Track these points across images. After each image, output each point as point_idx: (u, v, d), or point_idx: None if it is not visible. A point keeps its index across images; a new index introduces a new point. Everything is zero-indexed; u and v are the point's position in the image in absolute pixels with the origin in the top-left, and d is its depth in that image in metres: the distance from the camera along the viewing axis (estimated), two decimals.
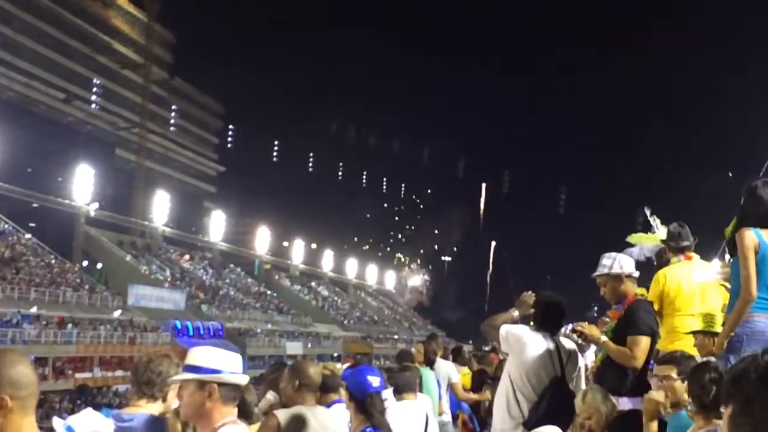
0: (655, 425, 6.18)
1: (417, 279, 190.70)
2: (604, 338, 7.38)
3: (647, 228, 9.28)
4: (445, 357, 13.77)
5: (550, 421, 7.11)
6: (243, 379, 4.58)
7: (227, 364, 4.48)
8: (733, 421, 1.49)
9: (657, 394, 6.17)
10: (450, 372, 12.79)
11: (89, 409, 5.12)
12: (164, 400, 5.26)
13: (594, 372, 8.18)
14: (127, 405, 5.47)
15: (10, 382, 3.25)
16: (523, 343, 7.59)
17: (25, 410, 3.27)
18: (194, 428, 4.80)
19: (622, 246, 9.08)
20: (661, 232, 8.81)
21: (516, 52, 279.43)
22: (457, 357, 15.45)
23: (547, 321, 7.83)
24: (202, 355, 4.49)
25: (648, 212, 8.97)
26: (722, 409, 1.59)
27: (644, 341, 7.27)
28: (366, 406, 6.12)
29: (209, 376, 4.38)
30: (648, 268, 9.01)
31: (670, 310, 8.12)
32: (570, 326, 8.23)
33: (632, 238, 9.09)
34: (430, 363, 12.33)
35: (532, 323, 8.09)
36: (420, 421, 8.73)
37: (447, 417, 12.02)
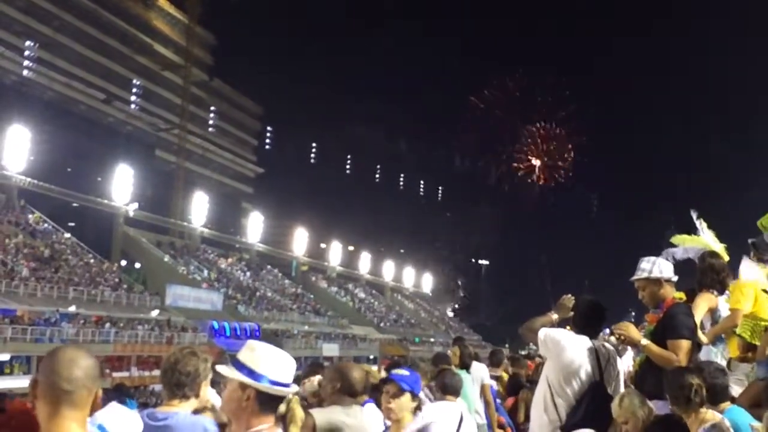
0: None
1: (453, 282, 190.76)
2: (645, 341, 7.33)
3: (692, 230, 9.23)
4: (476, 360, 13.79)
5: (588, 425, 7.11)
6: (287, 392, 4.47)
7: (275, 371, 4.34)
8: None
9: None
10: (483, 375, 12.80)
11: (114, 403, 5.14)
12: (197, 396, 5.29)
13: (632, 376, 8.13)
14: (161, 404, 5.48)
15: (57, 371, 3.28)
16: (561, 346, 7.56)
17: (61, 401, 3.29)
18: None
19: (659, 250, 9.04)
20: (706, 235, 8.76)
21: (568, 52, 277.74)
22: (493, 359, 15.48)
23: (586, 324, 7.81)
24: (253, 353, 4.39)
25: (695, 215, 8.92)
26: None
27: (686, 345, 7.23)
28: (419, 404, 6.22)
29: (251, 381, 4.32)
30: (688, 272, 8.99)
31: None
32: (607, 330, 8.22)
33: (676, 239, 9.05)
34: (465, 366, 12.36)
35: (568, 327, 8.08)
36: (454, 422, 8.78)
37: (481, 419, 12.03)
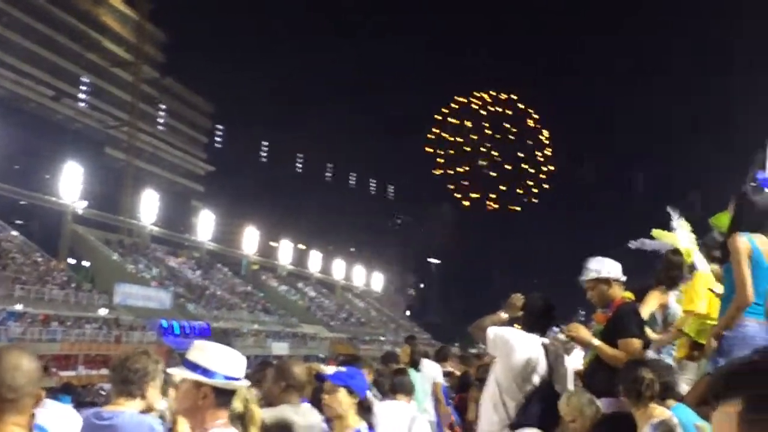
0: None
1: (404, 280, 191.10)
2: (597, 342, 7.37)
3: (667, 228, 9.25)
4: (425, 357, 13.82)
5: (537, 423, 7.13)
6: (240, 386, 4.55)
7: (228, 367, 4.44)
8: (745, 419, 1.38)
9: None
10: (435, 373, 12.83)
11: (49, 401, 5.10)
12: (143, 397, 5.24)
13: (581, 374, 8.16)
14: (108, 403, 5.46)
15: (0, 379, 3.24)
16: (510, 345, 7.60)
17: (4, 410, 3.25)
18: None
19: (607, 249, 9.07)
20: (680, 234, 8.78)
21: (519, 57, 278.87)
22: (439, 354, 15.50)
23: (535, 323, 7.85)
24: (204, 353, 4.45)
25: (676, 214, 8.94)
26: (719, 406, 1.47)
27: (636, 343, 7.29)
28: (364, 405, 6.19)
29: (206, 379, 4.35)
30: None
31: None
32: (556, 329, 8.25)
33: (655, 233, 9.07)
34: (415, 364, 12.39)
35: (516, 325, 8.10)
36: (405, 422, 8.80)
37: (431, 417, 12.04)
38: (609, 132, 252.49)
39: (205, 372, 4.35)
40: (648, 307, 8.64)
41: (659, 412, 6.08)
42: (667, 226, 9.05)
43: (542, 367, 7.59)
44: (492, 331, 7.77)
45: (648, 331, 8.15)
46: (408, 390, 9.51)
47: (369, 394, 8.44)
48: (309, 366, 8.23)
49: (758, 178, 7.02)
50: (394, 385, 9.49)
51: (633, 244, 9.04)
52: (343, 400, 6.21)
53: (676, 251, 8.60)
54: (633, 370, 6.27)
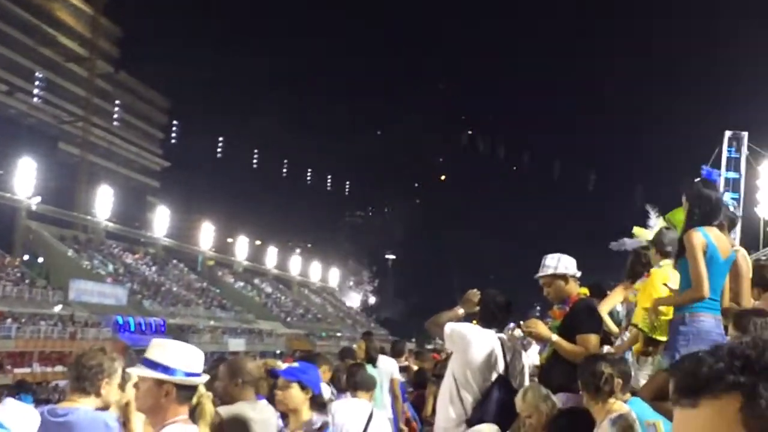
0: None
1: (360, 276, 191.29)
2: (555, 337, 7.42)
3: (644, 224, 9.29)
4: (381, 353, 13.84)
5: (493, 419, 7.16)
6: (201, 381, 4.58)
7: (188, 364, 4.47)
8: (749, 415, 1.30)
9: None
10: (392, 369, 12.84)
11: (9, 399, 5.08)
12: (98, 394, 5.22)
13: (539, 370, 8.21)
14: (64, 400, 5.45)
15: None
16: (467, 341, 7.63)
17: None
18: None
19: (564, 246, 9.10)
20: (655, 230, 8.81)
21: (477, 44, 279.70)
22: (394, 349, 15.50)
23: (492, 319, 7.89)
24: (163, 350, 4.48)
25: (653, 213, 8.98)
26: (686, 402, 1.36)
27: (594, 339, 7.38)
28: (319, 403, 6.20)
29: (167, 376, 4.37)
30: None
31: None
32: (512, 324, 8.28)
33: (636, 231, 9.11)
34: (372, 360, 12.40)
35: (475, 321, 8.13)
36: (363, 419, 8.79)
37: (388, 413, 12.05)
38: (570, 132, 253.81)
39: (166, 369, 4.38)
40: (611, 302, 8.72)
41: (618, 406, 6.11)
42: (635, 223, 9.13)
43: (499, 362, 7.63)
44: (449, 327, 7.80)
45: (611, 325, 8.22)
46: (369, 386, 9.51)
47: (326, 389, 8.45)
48: (265, 362, 8.23)
49: (704, 173, 7.06)
50: (356, 382, 9.49)
51: (614, 246, 9.09)
52: (296, 396, 6.21)
53: (645, 247, 8.65)
54: (592, 365, 6.29)
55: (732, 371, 1.32)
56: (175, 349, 4.52)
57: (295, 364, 6.78)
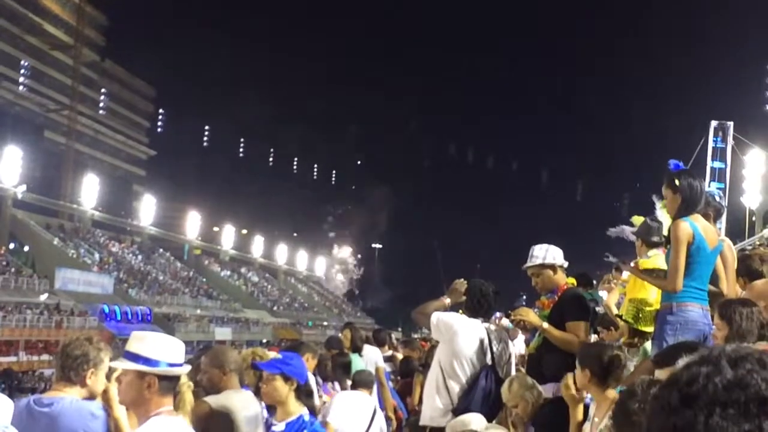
0: (579, 411, 6.25)
1: (346, 265, 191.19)
2: (546, 325, 7.45)
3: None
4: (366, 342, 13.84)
5: (479, 408, 7.17)
6: (183, 371, 4.59)
7: (169, 355, 4.49)
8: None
9: (568, 380, 6.27)
10: (377, 358, 12.87)
11: None
12: (83, 384, 5.20)
13: (527, 359, 8.23)
14: (50, 389, 5.44)
15: None
16: (454, 330, 7.64)
17: None
18: None
19: (549, 236, 9.12)
20: (662, 221, 8.81)
21: (465, 30, 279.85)
22: (377, 338, 15.47)
23: (478, 308, 7.90)
24: (144, 342, 4.50)
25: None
26: None
27: (584, 326, 7.42)
28: (306, 392, 6.18)
29: (149, 368, 4.38)
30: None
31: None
32: (499, 314, 8.30)
33: (635, 219, 9.11)
34: (357, 349, 12.43)
35: (461, 311, 8.14)
36: (368, 410, 8.87)
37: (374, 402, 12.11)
38: (557, 124, 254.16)
39: (147, 361, 4.39)
40: (616, 293, 8.78)
41: (615, 395, 6.05)
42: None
43: (485, 351, 7.64)
44: (435, 317, 7.81)
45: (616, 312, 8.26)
46: (369, 384, 9.67)
47: (311, 378, 8.46)
48: (253, 350, 8.23)
49: (672, 166, 7.05)
50: (356, 381, 9.69)
51: (612, 232, 9.11)
52: (280, 388, 6.18)
53: None
54: (598, 350, 6.24)
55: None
56: (155, 340, 4.54)
57: (278, 355, 6.77)
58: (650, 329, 7.42)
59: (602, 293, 9.96)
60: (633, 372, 6.89)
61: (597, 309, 9.41)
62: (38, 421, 5.01)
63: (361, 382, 9.74)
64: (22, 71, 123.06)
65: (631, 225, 9.02)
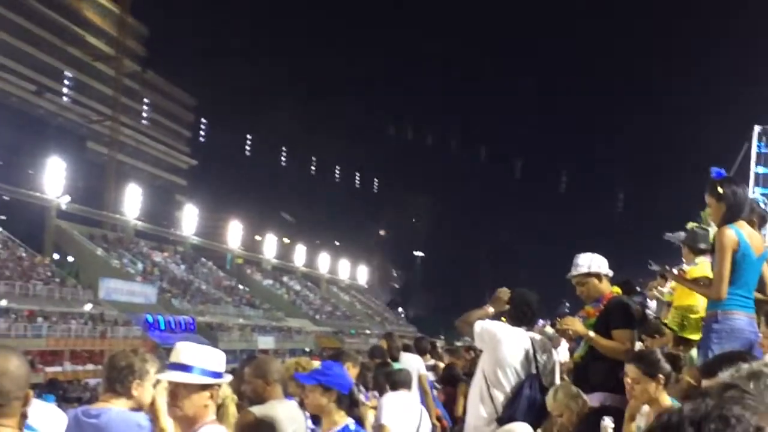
0: (633, 426, 6.18)
1: (388, 273, 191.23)
2: (592, 333, 7.41)
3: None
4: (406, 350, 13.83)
5: (524, 417, 7.14)
6: (226, 381, 4.63)
7: (221, 365, 4.51)
8: None
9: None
10: (419, 366, 12.87)
11: (35, 401, 5.11)
12: (129, 395, 5.23)
13: (573, 367, 8.19)
14: (94, 397, 5.49)
15: None
16: (497, 339, 7.61)
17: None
18: None
19: (596, 243, 9.08)
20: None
21: (512, 38, 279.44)
22: (418, 347, 15.44)
23: (521, 317, 7.87)
24: (201, 354, 4.51)
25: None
26: None
27: (630, 334, 7.38)
28: (349, 400, 6.16)
29: (215, 380, 4.41)
30: None
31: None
32: (542, 322, 8.27)
33: (691, 225, 9.03)
34: (394, 358, 12.47)
35: (503, 319, 8.12)
36: (416, 411, 8.94)
37: None
38: (598, 130, 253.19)
39: (213, 375, 4.42)
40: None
41: (670, 404, 5.97)
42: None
43: (529, 360, 7.61)
44: (479, 325, 7.79)
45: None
46: (409, 383, 9.75)
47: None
48: (296, 360, 8.25)
49: (714, 173, 6.98)
50: (395, 381, 9.72)
51: (669, 237, 9.04)
52: (319, 398, 6.18)
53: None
54: (656, 353, 6.16)
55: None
56: (211, 352, 4.56)
57: (317, 366, 6.77)
58: (695, 337, 7.37)
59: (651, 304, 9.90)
60: (680, 380, 6.84)
61: (647, 312, 9.37)
62: (86, 431, 5.05)
63: (400, 382, 9.79)
64: (65, 82, 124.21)
65: (687, 231, 8.96)
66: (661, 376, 5.83)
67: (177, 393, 4.49)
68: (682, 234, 8.95)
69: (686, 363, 7.57)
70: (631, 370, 5.92)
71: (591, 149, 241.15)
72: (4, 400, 3.23)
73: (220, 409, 4.96)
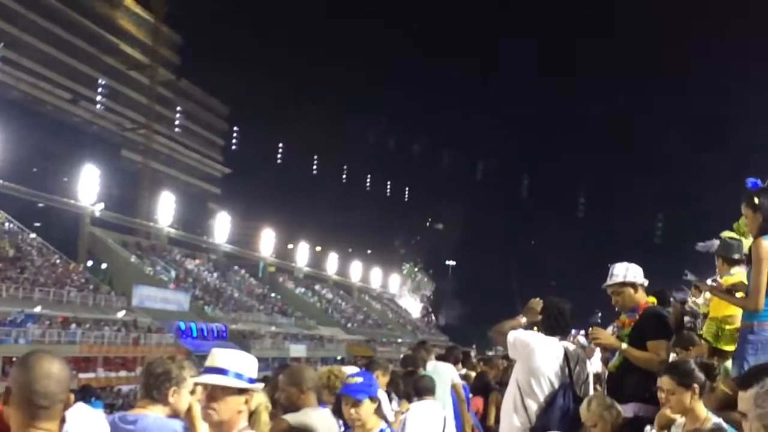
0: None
1: (420, 282, 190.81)
2: (624, 345, 7.40)
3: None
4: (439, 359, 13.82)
5: (558, 427, 7.14)
6: (260, 387, 4.67)
7: (255, 371, 4.56)
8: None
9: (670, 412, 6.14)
10: (452, 375, 12.86)
11: (80, 404, 5.16)
12: (166, 402, 5.28)
13: (608, 378, 8.17)
14: (128, 405, 5.54)
15: (24, 382, 3.28)
16: (531, 349, 7.61)
17: (33, 413, 3.29)
18: None
19: (625, 252, 9.07)
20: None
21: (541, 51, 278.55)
22: (448, 357, 15.42)
23: (555, 326, 7.86)
24: (238, 360, 4.55)
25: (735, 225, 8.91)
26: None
27: (665, 345, 7.36)
28: (380, 407, 6.23)
29: (251, 384, 4.45)
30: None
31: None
32: (574, 332, 8.27)
33: (725, 235, 9.00)
34: (417, 368, 12.51)
35: (536, 328, 8.12)
36: (439, 420, 8.98)
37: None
38: (637, 140, 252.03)
39: (250, 380, 4.46)
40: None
41: (705, 415, 5.93)
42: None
43: (562, 369, 7.60)
44: (512, 335, 7.79)
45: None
46: (431, 389, 9.77)
47: (382, 395, 8.52)
48: (329, 369, 8.28)
49: (750, 184, 6.95)
50: (419, 389, 9.71)
51: (700, 247, 9.01)
52: (368, 410, 6.23)
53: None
54: (692, 364, 6.14)
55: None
56: (247, 358, 4.59)
57: (359, 380, 6.77)
58: (730, 348, 7.36)
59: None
60: (715, 392, 6.83)
61: (694, 321, 9.36)
62: None
63: (424, 388, 9.83)
64: (100, 91, 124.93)
65: (720, 240, 8.91)
66: (695, 385, 5.81)
67: (213, 396, 4.50)
68: (715, 242, 8.92)
69: (721, 373, 7.56)
70: (665, 381, 5.91)
71: (629, 159, 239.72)
72: (49, 402, 3.30)
73: (253, 416, 5.00)
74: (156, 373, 5.28)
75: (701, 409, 5.84)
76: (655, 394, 6.43)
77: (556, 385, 7.52)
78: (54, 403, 3.32)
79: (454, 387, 12.51)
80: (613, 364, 7.90)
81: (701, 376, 5.90)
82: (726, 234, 8.88)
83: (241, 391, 4.44)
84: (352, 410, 6.26)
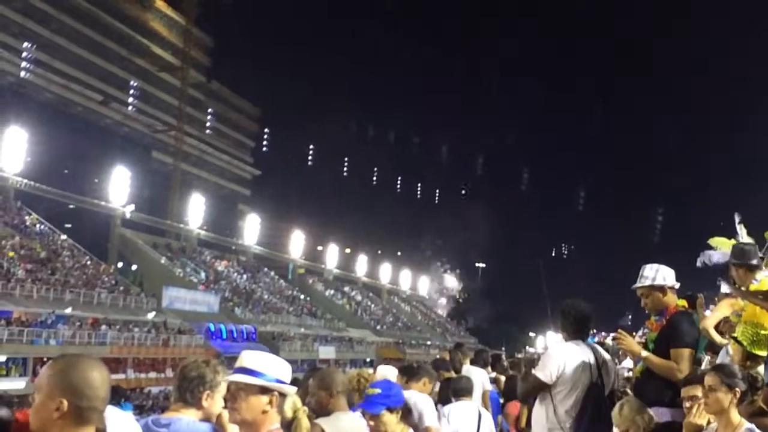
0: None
1: (449, 284, 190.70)
2: (645, 353, 7.33)
3: (731, 234, 9.09)
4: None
5: (589, 430, 7.09)
6: (293, 390, 4.62)
7: (285, 374, 4.51)
8: None
9: (697, 419, 6.10)
10: (484, 380, 12.81)
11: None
12: (199, 405, 5.26)
13: (634, 382, 8.10)
14: (160, 406, 5.52)
15: (71, 388, 3.27)
16: (563, 363, 7.55)
17: (83, 420, 3.29)
18: None
19: (656, 254, 8.99)
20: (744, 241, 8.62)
21: (550, 55, 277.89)
22: (477, 360, 15.33)
23: (577, 329, 7.79)
24: (264, 361, 4.53)
25: (737, 219, 8.81)
26: None
27: (687, 353, 7.25)
28: (404, 410, 6.22)
29: (275, 384, 4.41)
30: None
31: None
32: (603, 334, 8.20)
33: (714, 241, 8.91)
34: (455, 371, 12.44)
35: (562, 332, 8.06)
36: (474, 418, 9.01)
37: None
38: (660, 142, 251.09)
39: (274, 380, 4.43)
40: (717, 315, 8.56)
41: (739, 420, 5.87)
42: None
43: (592, 372, 7.54)
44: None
45: (716, 337, 8.04)
46: (470, 391, 9.87)
47: (428, 401, 8.50)
48: (358, 372, 8.26)
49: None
50: (456, 390, 9.98)
51: (699, 261, 8.89)
52: (389, 421, 6.21)
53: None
54: (735, 369, 6.06)
55: None
56: (272, 359, 4.56)
57: (377, 390, 6.75)
58: (763, 353, 7.29)
59: None
60: (754, 402, 6.75)
61: None
62: None
63: (461, 390, 9.98)
64: (131, 92, 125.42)
65: (710, 248, 8.80)
66: (738, 390, 5.75)
67: (236, 395, 4.48)
68: (713, 253, 8.75)
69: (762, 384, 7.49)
70: (710, 379, 5.85)
71: (667, 161, 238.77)
72: (90, 404, 3.30)
73: (293, 422, 4.98)
74: (190, 377, 5.26)
75: (736, 415, 5.77)
76: (673, 399, 6.40)
77: (587, 388, 7.47)
78: (94, 406, 3.33)
79: (482, 395, 12.50)
80: (638, 369, 7.84)
81: (744, 384, 5.84)
82: (723, 241, 8.78)
83: (264, 391, 4.41)
84: (371, 422, 6.26)
